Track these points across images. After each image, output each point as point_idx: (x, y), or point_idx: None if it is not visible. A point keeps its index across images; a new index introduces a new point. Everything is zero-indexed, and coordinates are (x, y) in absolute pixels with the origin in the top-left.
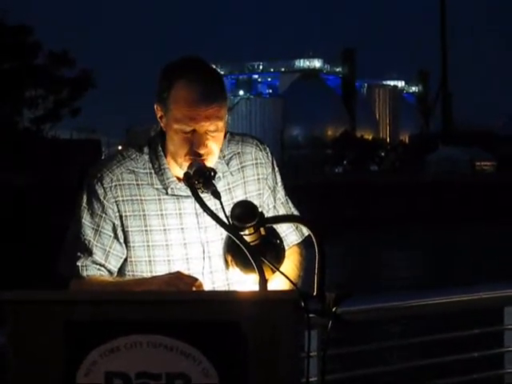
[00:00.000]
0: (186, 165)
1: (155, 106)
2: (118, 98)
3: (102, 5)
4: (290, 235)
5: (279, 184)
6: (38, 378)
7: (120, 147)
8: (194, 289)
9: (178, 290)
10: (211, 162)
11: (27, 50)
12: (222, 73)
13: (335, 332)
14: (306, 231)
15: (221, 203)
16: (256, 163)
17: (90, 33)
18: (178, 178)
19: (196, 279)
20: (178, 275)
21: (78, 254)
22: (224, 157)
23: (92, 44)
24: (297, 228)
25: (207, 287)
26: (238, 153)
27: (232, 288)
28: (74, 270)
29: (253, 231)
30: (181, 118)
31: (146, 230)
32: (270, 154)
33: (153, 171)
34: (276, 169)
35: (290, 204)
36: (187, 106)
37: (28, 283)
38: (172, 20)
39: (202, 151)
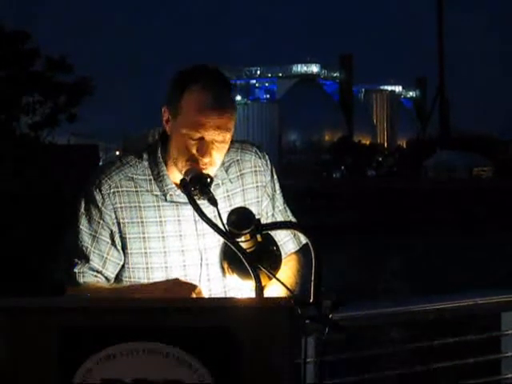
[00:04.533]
0: (185, 170)
1: (163, 109)
2: (116, 103)
3: (101, 12)
4: (288, 243)
5: (278, 192)
6: None
7: (118, 152)
8: (193, 295)
9: (176, 297)
10: (211, 171)
11: (25, 56)
12: None
13: (333, 339)
14: (303, 239)
15: (217, 210)
16: (255, 171)
17: (89, 39)
18: (177, 185)
19: (195, 286)
20: (176, 282)
21: (76, 260)
22: (223, 164)
23: (91, 50)
24: (294, 236)
25: (204, 295)
26: (237, 160)
27: (229, 295)
28: (72, 277)
29: (249, 238)
30: (191, 123)
31: (144, 237)
32: (269, 161)
33: (152, 178)
34: (275, 176)
35: (289, 212)
36: (199, 113)
37: (25, 290)
38: (170, 26)
39: (205, 159)
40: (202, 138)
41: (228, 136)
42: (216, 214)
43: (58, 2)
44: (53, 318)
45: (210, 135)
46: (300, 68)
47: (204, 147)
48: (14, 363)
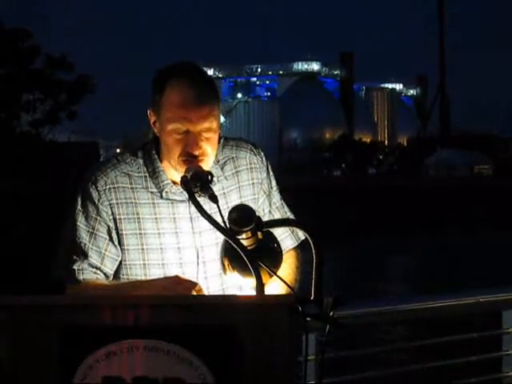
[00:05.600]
0: (180, 167)
1: (148, 112)
2: (117, 100)
3: (101, 11)
4: (286, 239)
5: (274, 188)
6: (34, 382)
7: (118, 150)
8: (194, 293)
9: (177, 294)
10: (206, 164)
11: (25, 54)
12: (221, 76)
13: (333, 336)
14: (301, 235)
15: (218, 207)
16: (251, 168)
17: (90, 38)
18: (173, 182)
19: (196, 283)
20: (176, 279)
21: (74, 257)
22: (218, 161)
23: (91, 49)
24: (293, 232)
25: (204, 292)
26: (233, 157)
27: (227, 293)
28: (71, 274)
29: (250, 235)
30: (174, 118)
31: (141, 233)
32: (264, 158)
33: (147, 175)
34: (271, 173)
35: (286, 208)
36: (181, 107)
37: (27, 288)
38: (171, 23)
39: (196, 152)
40: (188, 132)
41: (214, 124)
42: (213, 211)
43: (59, 2)
44: (53, 316)
45: (195, 127)
46: (301, 66)
47: (192, 140)
48: (14, 362)
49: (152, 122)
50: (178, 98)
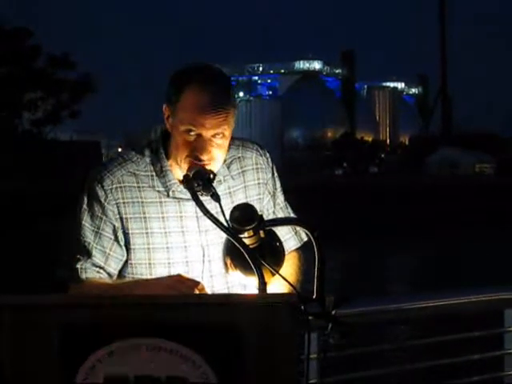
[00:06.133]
0: (185, 166)
1: (164, 107)
2: (118, 99)
3: (102, 10)
4: (289, 240)
5: (278, 189)
6: (35, 383)
7: (120, 149)
8: (196, 292)
9: (179, 293)
10: (213, 168)
11: (27, 53)
12: None
13: (337, 337)
14: (304, 236)
15: (220, 206)
16: (256, 168)
17: (91, 36)
18: (180, 181)
19: (198, 282)
20: (179, 278)
21: (78, 256)
22: (225, 161)
23: (93, 47)
24: (296, 233)
25: (207, 291)
26: (239, 157)
27: (231, 292)
28: (74, 273)
29: (252, 234)
30: (188, 121)
31: (147, 233)
32: (269, 159)
33: (154, 173)
34: (275, 174)
35: (289, 209)
36: (196, 112)
37: (28, 288)
38: (172, 23)
39: (204, 157)
40: (200, 135)
41: (227, 132)
42: (218, 210)
43: (59, 2)
44: (53, 316)
45: (207, 133)
46: (302, 65)
47: (202, 145)
48: (15, 363)
49: (166, 116)
50: (194, 102)
